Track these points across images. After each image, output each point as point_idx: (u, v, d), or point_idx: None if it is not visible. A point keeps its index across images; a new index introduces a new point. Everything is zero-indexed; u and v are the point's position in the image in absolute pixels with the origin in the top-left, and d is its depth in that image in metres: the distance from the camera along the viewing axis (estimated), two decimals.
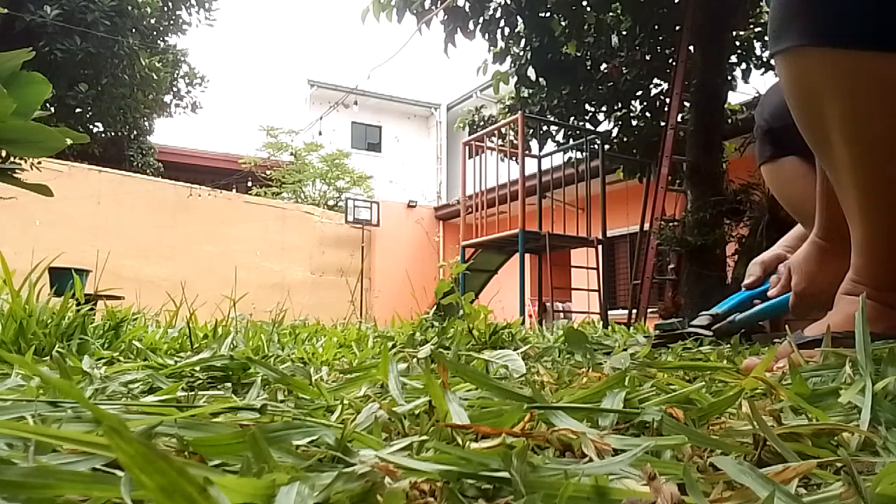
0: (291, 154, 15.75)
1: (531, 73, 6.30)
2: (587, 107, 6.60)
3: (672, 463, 0.36)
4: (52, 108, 8.63)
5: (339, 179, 15.15)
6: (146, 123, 12.27)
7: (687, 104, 5.52)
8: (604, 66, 6.45)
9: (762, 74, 6.34)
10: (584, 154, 6.19)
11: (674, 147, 5.38)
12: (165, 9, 10.85)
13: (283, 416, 0.46)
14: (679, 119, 5.51)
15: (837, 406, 0.49)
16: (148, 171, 12.07)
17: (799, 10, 0.82)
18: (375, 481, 0.29)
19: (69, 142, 1.25)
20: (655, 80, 6.47)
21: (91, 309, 1.21)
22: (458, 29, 6.02)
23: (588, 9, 6.09)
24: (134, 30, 9.75)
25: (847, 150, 0.84)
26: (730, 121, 6.23)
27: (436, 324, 1.59)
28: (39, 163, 5.97)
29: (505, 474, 0.31)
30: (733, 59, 6.21)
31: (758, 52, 6.29)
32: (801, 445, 0.39)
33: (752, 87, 6.83)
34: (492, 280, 7.22)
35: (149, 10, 10.11)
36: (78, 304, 1.19)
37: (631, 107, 6.62)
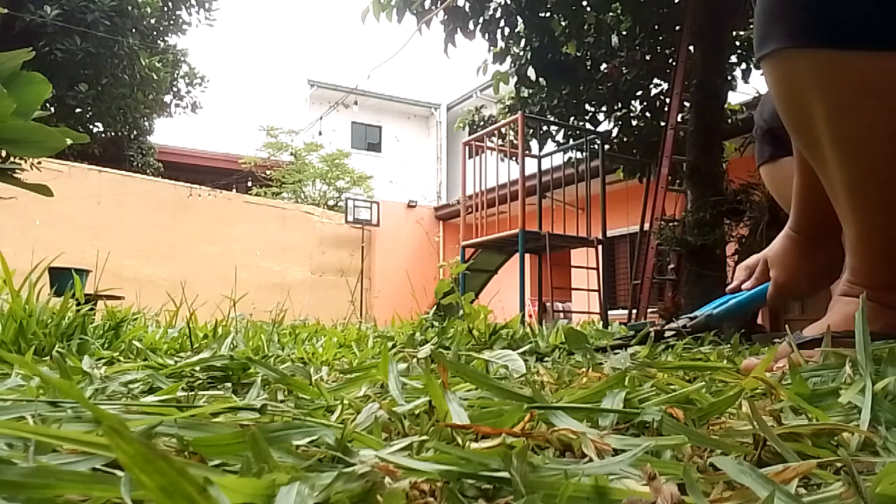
0: (291, 154, 15.75)
1: (531, 73, 6.30)
2: (587, 107, 6.59)
3: (672, 463, 0.36)
4: (52, 108, 8.63)
5: (339, 179, 15.16)
6: (146, 123, 12.28)
7: (687, 104, 5.51)
8: (604, 66, 6.44)
9: (762, 74, 6.32)
10: (584, 154, 6.19)
11: (674, 147, 5.38)
12: (165, 9, 10.85)
13: (283, 416, 0.46)
14: (679, 119, 5.51)
15: (837, 406, 0.49)
16: (148, 171, 12.08)
17: (781, 14, 0.82)
18: (375, 481, 0.29)
19: (69, 142, 1.25)
20: (655, 80, 6.46)
21: (91, 309, 1.21)
22: (458, 29, 6.01)
23: (588, 9, 6.09)
24: (134, 30, 9.75)
25: (835, 150, 0.84)
26: (730, 121, 6.22)
27: (436, 324, 1.59)
28: (39, 163, 5.97)
29: (505, 474, 0.31)
30: (733, 59, 6.20)
31: None
32: (801, 445, 0.39)
33: (752, 87, 6.83)
34: (492, 280, 7.22)
35: (149, 10, 10.11)
36: (78, 304, 1.19)
37: (631, 107, 6.61)
